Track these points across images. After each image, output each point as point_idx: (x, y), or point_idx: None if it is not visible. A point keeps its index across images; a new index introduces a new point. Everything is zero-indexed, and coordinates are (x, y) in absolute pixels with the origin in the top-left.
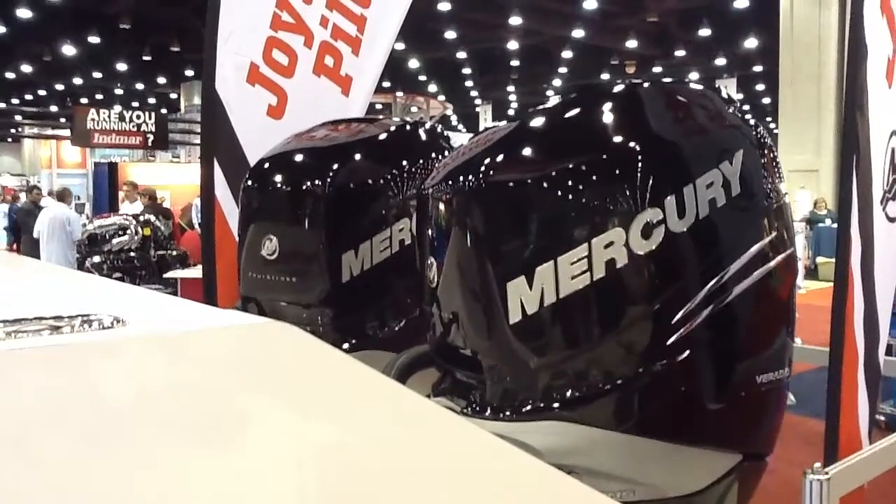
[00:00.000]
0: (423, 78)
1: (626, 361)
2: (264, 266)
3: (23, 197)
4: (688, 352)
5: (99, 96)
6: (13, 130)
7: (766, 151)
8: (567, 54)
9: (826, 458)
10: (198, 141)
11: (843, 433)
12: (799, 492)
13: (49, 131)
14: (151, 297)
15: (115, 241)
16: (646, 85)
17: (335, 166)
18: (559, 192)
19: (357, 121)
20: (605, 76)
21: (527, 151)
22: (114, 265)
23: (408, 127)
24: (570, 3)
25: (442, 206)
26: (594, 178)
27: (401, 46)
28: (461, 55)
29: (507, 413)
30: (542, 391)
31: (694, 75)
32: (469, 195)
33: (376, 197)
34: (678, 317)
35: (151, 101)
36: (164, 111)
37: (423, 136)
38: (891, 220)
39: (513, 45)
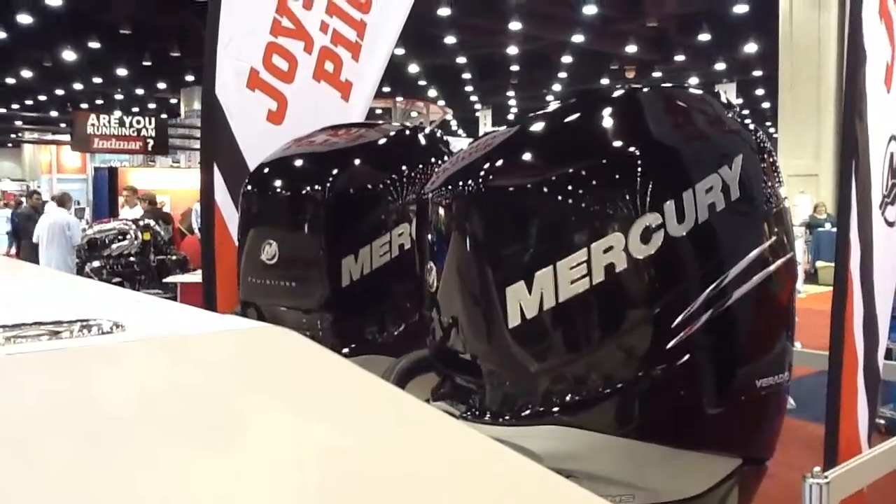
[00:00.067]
0: (422, 83)
1: (626, 366)
2: (264, 271)
3: (25, 202)
4: (687, 356)
5: (99, 101)
6: (13, 135)
7: (765, 156)
8: (567, 59)
9: (826, 461)
10: (198, 146)
11: (842, 437)
12: (799, 496)
13: (49, 136)
14: (151, 302)
15: (114, 245)
16: (645, 90)
17: (335, 171)
18: (559, 197)
19: (357, 126)
20: (604, 81)
21: (526, 156)
22: (113, 270)
23: (407, 132)
24: (569, 9)
25: (441, 211)
26: (593, 182)
27: (401, 51)
28: (461, 60)
29: (507, 417)
30: (542, 395)
31: (694, 80)
32: (468, 200)
33: (376, 202)
34: (678, 321)
35: (151, 106)
36: (164, 116)
37: (423, 141)
38: (890, 224)
39: (512, 50)
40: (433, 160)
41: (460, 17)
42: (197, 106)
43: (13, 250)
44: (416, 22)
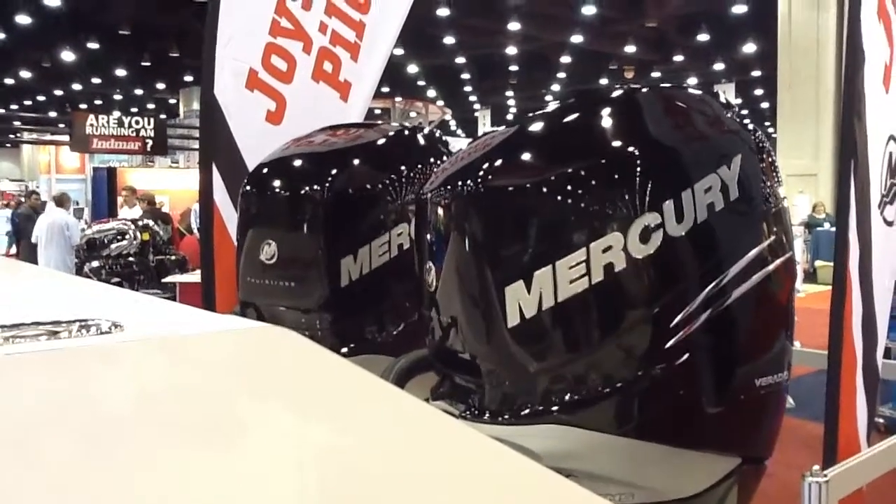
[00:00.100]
0: (421, 83)
1: (625, 365)
2: (263, 271)
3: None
4: (687, 355)
5: (98, 102)
6: (12, 136)
7: (764, 156)
8: (566, 59)
9: (825, 460)
10: (196, 146)
11: (841, 436)
12: (798, 494)
13: (48, 137)
14: (149, 302)
15: (113, 246)
16: (644, 90)
17: (334, 171)
18: (558, 197)
19: (356, 126)
20: (603, 81)
21: (525, 156)
22: (112, 270)
23: (406, 132)
24: (568, 9)
25: (441, 211)
26: (592, 182)
27: (400, 52)
28: (460, 60)
29: (506, 417)
30: (541, 395)
31: (692, 80)
32: (468, 200)
33: (375, 202)
34: (677, 320)
35: (150, 106)
36: (162, 117)
37: (422, 141)
38: (888, 223)
39: (511, 50)
40: (432, 160)
41: (459, 17)
42: (196, 106)
43: (13, 250)
44: (415, 22)
